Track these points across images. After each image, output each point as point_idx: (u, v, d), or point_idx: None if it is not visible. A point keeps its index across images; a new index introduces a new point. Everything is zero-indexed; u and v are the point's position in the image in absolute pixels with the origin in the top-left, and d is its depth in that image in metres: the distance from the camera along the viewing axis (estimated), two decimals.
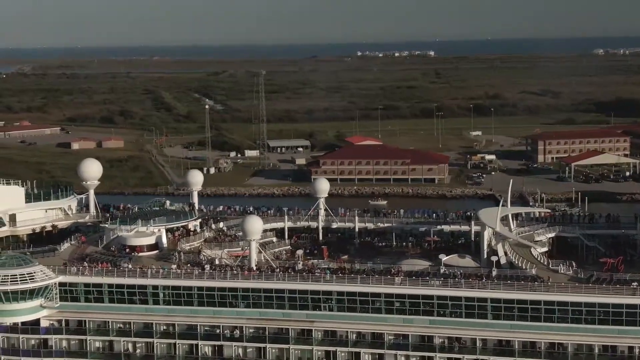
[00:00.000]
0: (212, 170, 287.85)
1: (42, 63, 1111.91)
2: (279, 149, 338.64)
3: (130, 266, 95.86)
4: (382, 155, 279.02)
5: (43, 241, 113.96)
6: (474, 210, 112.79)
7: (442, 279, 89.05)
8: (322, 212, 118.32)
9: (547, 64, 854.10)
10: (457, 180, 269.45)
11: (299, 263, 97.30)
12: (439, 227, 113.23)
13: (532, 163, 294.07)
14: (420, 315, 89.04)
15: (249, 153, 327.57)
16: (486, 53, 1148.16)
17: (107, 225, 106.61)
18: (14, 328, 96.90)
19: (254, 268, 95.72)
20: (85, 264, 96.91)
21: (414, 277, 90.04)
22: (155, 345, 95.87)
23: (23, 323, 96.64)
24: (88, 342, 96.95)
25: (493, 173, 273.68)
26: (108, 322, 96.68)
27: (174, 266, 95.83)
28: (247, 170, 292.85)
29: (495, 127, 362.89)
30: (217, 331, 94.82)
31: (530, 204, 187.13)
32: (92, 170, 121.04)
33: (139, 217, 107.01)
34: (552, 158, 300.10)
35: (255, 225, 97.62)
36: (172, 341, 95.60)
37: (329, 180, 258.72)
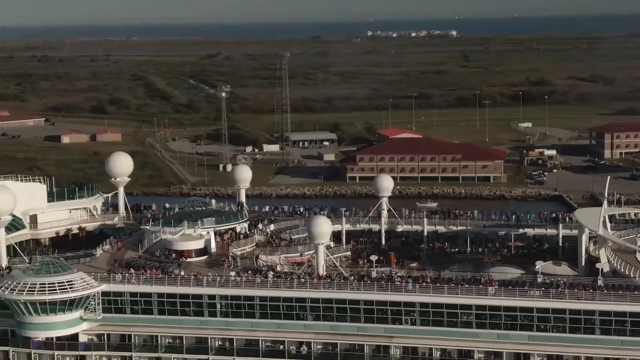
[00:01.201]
0: (229, 168, 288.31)
1: (4, 44, 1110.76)
2: (300, 143, 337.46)
3: (182, 273, 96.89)
4: (428, 150, 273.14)
5: (68, 245, 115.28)
6: (561, 212, 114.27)
7: (542, 289, 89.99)
8: (384, 214, 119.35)
9: (593, 45, 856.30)
10: (515, 179, 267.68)
11: (374, 271, 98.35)
12: (521, 230, 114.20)
13: (599, 159, 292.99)
14: (518, 330, 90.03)
15: (268, 148, 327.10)
16: (516, 33, 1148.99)
17: (148, 228, 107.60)
18: (48, 343, 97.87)
19: (324, 276, 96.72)
20: (132, 270, 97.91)
21: (510, 287, 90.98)
22: None
23: (58, 338, 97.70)
24: (133, 358, 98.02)
25: (555, 171, 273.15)
26: (156, 336, 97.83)
27: (232, 273, 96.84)
28: (269, 168, 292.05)
29: (549, 118, 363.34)
30: (281, 347, 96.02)
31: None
32: (123, 164, 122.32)
33: (184, 218, 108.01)
34: (621, 153, 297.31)
35: (324, 227, 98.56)
36: (229, 358, 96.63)
37: (366, 179, 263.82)
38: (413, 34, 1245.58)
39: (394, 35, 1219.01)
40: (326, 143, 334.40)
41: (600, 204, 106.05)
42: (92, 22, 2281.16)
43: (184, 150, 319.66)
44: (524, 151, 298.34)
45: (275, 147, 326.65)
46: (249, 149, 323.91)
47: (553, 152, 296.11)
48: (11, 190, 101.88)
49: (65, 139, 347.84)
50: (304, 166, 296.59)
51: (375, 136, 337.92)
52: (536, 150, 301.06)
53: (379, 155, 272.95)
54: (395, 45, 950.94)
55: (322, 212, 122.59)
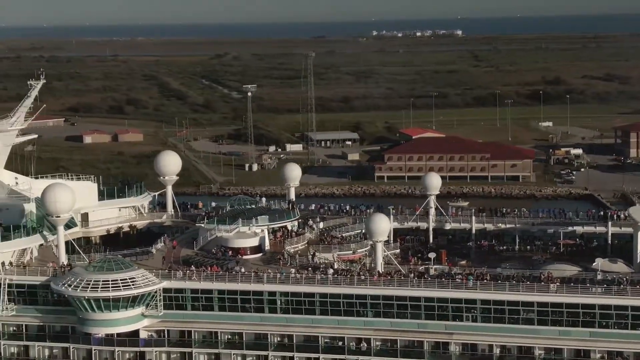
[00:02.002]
0: (255, 167, 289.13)
1: (8, 44, 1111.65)
2: (322, 142, 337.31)
3: (243, 270, 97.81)
4: (457, 149, 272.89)
5: (119, 243, 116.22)
6: (609, 209, 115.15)
7: (604, 285, 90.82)
8: (432, 212, 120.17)
9: (602, 44, 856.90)
10: (545, 178, 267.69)
11: (432, 268, 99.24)
12: (570, 228, 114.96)
13: (625, 158, 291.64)
14: (579, 326, 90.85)
15: (291, 147, 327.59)
16: (520, 32, 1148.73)
17: (203, 225, 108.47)
18: (109, 340, 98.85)
19: (383, 273, 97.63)
20: (193, 267, 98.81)
21: (571, 284, 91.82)
22: (269, 358, 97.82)
23: (119, 334, 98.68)
24: (193, 354, 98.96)
25: (582, 170, 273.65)
26: (216, 332, 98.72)
27: (292, 270, 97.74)
28: None
29: (565, 117, 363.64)
30: (340, 343, 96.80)
31: None
32: (172, 164, 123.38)
33: (239, 216, 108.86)
34: None
35: (383, 224, 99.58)
36: (289, 354, 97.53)
37: (395, 178, 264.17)
38: (418, 34, 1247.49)
39: (399, 35, 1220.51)
40: (349, 142, 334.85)
41: (632, 203, 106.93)
42: (92, 22, 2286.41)
43: (207, 150, 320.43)
44: (550, 150, 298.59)
45: (298, 147, 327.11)
46: (271, 148, 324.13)
47: (579, 151, 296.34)
48: (72, 189, 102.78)
49: (88, 139, 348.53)
50: (330, 166, 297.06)
51: (396, 135, 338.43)
52: (562, 149, 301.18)
53: (407, 155, 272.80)
54: (401, 45, 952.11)
55: (368, 211, 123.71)
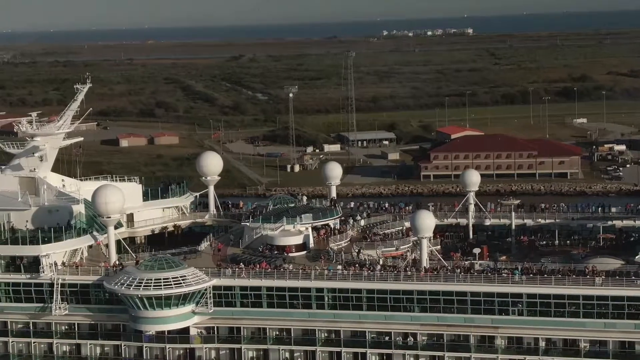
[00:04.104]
0: (297, 168, 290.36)
1: (22, 49, 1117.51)
2: (359, 142, 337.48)
3: (291, 267, 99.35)
4: (503, 147, 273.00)
5: (164, 243, 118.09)
6: None
7: None
8: (472, 208, 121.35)
9: (618, 41, 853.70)
10: (593, 175, 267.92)
11: (477, 263, 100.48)
12: (609, 222, 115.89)
13: None
14: (624, 319, 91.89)
15: (329, 148, 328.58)
16: (531, 30, 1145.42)
17: (248, 224, 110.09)
18: (160, 337, 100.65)
19: (429, 268, 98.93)
20: (242, 265, 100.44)
21: (617, 277, 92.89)
22: (317, 353, 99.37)
23: (169, 331, 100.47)
24: (242, 351, 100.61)
25: (628, 166, 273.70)
26: (264, 328, 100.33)
27: (339, 267, 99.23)
28: None
29: (599, 114, 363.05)
30: (387, 338, 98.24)
31: None
32: (213, 164, 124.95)
33: (283, 214, 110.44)
34: None
35: (428, 221, 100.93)
36: (337, 349, 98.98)
37: (441, 177, 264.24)
38: (429, 33, 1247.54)
39: (410, 34, 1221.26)
40: (386, 142, 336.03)
41: None
42: (99, 26, 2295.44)
43: (245, 152, 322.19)
44: (594, 147, 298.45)
45: (336, 147, 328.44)
46: (309, 149, 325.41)
47: (623, 147, 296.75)
48: (120, 190, 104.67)
49: (124, 143, 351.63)
50: (370, 165, 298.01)
51: (431, 134, 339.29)
52: (605, 145, 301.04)
53: (453, 153, 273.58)
54: (415, 44, 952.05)
55: (407, 207, 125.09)
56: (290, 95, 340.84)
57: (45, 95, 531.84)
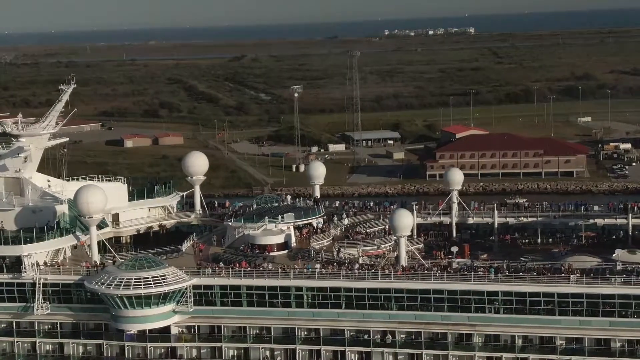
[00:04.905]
0: (302, 168, 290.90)
1: (24, 51, 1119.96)
2: (364, 142, 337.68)
3: (270, 266, 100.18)
4: (509, 146, 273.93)
5: (149, 243, 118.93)
6: (630, 201, 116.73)
7: (623, 276, 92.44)
8: (455, 206, 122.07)
9: (620, 39, 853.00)
10: (599, 173, 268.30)
11: (455, 261, 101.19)
12: (591, 220, 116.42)
13: None
14: (599, 316, 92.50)
15: (334, 147, 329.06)
16: (533, 29, 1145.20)
17: (230, 224, 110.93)
18: (141, 336, 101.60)
19: (407, 267, 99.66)
20: (222, 264, 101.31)
21: (591, 275, 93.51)
22: (297, 351, 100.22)
23: (151, 330, 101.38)
24: (223, 349, 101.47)
25: (634, 164, 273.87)
26: (244, 327, 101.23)
27: (318, 266, 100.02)
28: (341, 167, 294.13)
29: (603, 112, 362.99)
30: (366, 336, 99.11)
31: None
32: (199, 164, 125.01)
33: (265, 214, 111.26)
34: None
35: (405, 220, 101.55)
36: (316, 347, 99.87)
37: None
38: (431, 32, 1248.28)
39: (412, 34, 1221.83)
40: (390, 142, 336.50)
41: None
42: (99, 27, 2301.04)
43: (250, 152, 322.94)
44: (599, 145, 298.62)
45: (340, 147, 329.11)
46: (314, 149, 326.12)
47: (628, 145, 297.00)
48: (103, 190, 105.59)
49: (129, 143, 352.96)
50: (376, 165, 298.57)
51: (436, 133, 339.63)
52: (611, 144, 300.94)
53: (459, 152, 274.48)
54: (417, 44, 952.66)
55: (392, 207, 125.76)
56: (296, 95, 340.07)
57: (48, 96, 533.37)
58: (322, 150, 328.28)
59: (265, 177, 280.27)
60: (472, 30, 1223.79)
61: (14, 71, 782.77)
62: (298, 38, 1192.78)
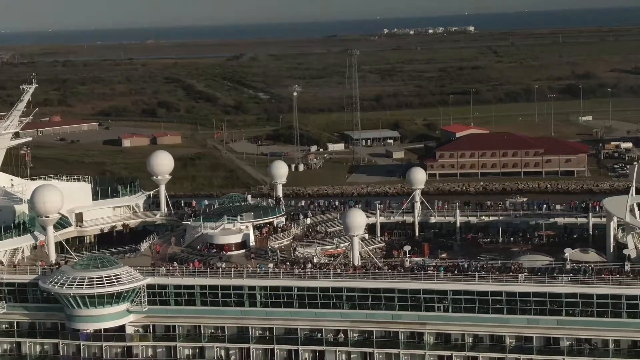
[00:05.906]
0: (301, 167, 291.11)
1: (20, 50, 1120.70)
2: (363, 141, 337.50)
3: (224, 266, 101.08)
4: (510, 145, 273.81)
5: (113, 242, 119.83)
6: (591, 200, 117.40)
7: (570, 275, 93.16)
8: (418, 206, 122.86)
9: (620, 38, 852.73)
10: (600, 173, 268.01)
11: (407, 260, 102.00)
12: (551, 219, 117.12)
13: None
14: (547, 315, 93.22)
15: (333, 147, 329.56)
16: (533, 28, 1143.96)
17: (190, 223, 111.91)
18: (96, 335, 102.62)
19: (359, 266, 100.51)
20: (176, 264, 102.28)
21: (539, 274, 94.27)
22: (251, 351, 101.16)
23: (106, 330, 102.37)
24: (178, 348, 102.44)
25: (635, 164, 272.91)
26: (199, 326, 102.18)
27: (271, 265, 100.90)
28: (340, 166, 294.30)
29: (604, 111, 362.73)
30: (319, 335, 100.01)
31: None
32: (164, 163, 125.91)
33: (224, 213, 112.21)
34: None
35: (358, 219, 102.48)
36: (270, 346, 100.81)
37: (448, 175, 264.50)
38: (430, 31, 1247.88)
39: (411, 32, 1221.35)
40: (390, 141, 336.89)
41: None
42: (97, 26, 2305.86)
43: (248, 151, 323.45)
44: (600, 144, 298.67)
45: (340, 146, 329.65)
46: (313, 148, 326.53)
47: (629, 144, 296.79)
48: (59, 190, 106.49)
49: (127, 143, 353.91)
50: (376, 164, 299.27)
51: (436, 133, 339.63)
52: (612, 143, 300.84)
53: (459, 152, 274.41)
54: (416, 43, 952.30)
55: (356, 206, 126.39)
56: (295, 94, 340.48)
57: (45, 96, 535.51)
58: (321, 149, 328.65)
59: (264, 177, 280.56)
60: (472, 28, 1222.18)
61: (11, 70, 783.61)
62: (297, 37, 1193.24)
